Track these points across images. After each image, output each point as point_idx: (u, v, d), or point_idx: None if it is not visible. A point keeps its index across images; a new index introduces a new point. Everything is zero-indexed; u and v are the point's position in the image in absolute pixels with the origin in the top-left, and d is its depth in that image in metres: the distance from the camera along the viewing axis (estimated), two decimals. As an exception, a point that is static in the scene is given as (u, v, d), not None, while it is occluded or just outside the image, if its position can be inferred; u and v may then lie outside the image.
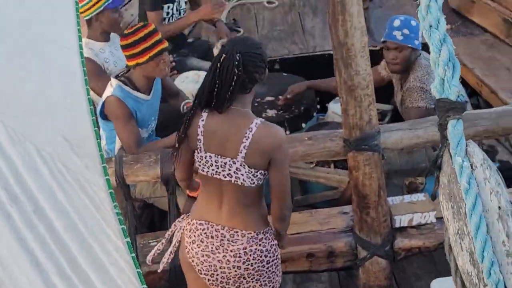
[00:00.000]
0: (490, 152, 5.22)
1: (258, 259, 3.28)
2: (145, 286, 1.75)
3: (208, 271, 3.31)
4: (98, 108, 4.31)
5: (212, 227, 3.27)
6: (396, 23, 4.61)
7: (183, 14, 5.68)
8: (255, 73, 3.11)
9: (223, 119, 3.13)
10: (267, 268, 3.33)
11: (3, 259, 1.50)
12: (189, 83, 4.97)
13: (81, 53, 2.48)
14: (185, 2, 5.72)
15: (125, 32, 4.19)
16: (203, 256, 3.30)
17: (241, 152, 3.11)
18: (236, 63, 3.01)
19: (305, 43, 6.33)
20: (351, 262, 4.15)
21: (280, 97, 5.29)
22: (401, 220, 4.12)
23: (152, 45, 4.11)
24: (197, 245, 3.30)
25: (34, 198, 1.70)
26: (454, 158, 1.33)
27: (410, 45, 4.55)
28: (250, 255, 3.26)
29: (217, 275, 3.31)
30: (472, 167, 1.33)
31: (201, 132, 3.15)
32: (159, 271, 3.61)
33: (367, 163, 3.85)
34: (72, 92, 2.35)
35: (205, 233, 3.28)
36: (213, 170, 3.18)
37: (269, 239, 3.31)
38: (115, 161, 4.04)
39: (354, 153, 3.86)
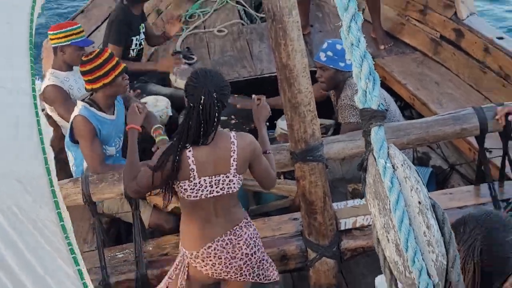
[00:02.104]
0: (425, 159, 5.30)
1: (257, 237, 3.49)
2: None
3: (235, 272, 3.41)
4: (67, 132, 4.30)
5: (220, 241, 3.35)
6: (324, 45, 4.69)
7: (142, 45, 5.69)
8: (226, 102, 3.26)
9: (210, 147, 3.23)
10: (260, 243, 3.54)
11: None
12: (148, 107, 4.97)
13: (33, 88, 2.43)
14: (144, 33, 5.72)
15: (83, 59, 4.17)
16: (227, 267, 3.38)
17: (232, 165, 3.25)
18: (215, 101, 3.14)
19: (253, 67, 6.36)
20: (302, 263, 4.16)
21: (233, 116, 5.34)
22: (346, 223, 4.15)
23: (114, 66, 4.15)
24: (218, 263, 3.37)
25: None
26: (377, 160, 1.36)
27: (331, 66, 4.59)
28: (253, 236, 3.45)
29: (243, 271, 3.43)
30: (394, 168, 1.36)
31: (192, 162, 3.20)
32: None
33: (312, 173, 3.88)
34: (22, 130, 2.32)
35: (218, 249, 3.35)
36: (207, 191, 3.26)
37: (251, 222, 3.55)
38: (81, 181, 4.00)
39: (300, 164, 3.88)
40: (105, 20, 6.16)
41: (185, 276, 3.42)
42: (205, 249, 3.32)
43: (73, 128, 4.20)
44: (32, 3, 2.66)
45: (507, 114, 3.99)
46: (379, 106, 1.36)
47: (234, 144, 3.24)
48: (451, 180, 4.99)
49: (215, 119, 3.16)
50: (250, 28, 6.99)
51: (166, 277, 3.53)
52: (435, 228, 1.37)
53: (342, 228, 4.14)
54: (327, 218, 4.01)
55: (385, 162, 1.35)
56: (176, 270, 3.46)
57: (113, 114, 4.33)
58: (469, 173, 4.94)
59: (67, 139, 4.36)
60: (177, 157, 3.16)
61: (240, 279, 3.43)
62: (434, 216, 1.38)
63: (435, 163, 5.16)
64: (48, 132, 2.38)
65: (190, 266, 3.40)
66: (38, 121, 2.33)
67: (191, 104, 3.15)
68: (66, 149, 4.46)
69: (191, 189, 3.24)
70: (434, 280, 1.36)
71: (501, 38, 5.52)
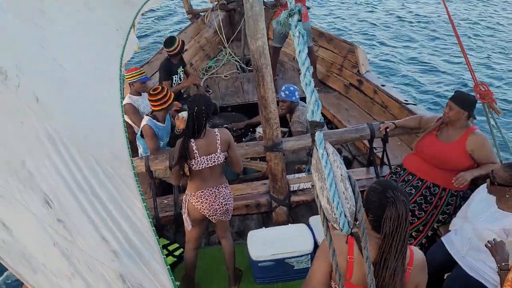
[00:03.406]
0: (338, 151, 5.30)
1: (231, 196, 3.43)
2: (151, 220, 1.71)
3: (213, 212, 3.34)
4: (139, 132, 4.31)
5: (208, 190, 3.30)
6: (283, 88, 4.69)
7: (181, 80, 5.62)
8: (210, 113, 3.22)
9: (204, 138, 3.22)
10: (232, 202, 3.46)
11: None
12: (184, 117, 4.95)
13: (121, 102, 2.42)
14: (182, 72, 5.66)
15: (151, 92, 4.16)
16: (209, 207, 3.31)
17: (219, 147, 3.23)
18: (203, 112, 3.15)
19: (244, 97, 6.33)
20: (268, 209, 4.15)
21: (231, 124, 5.33)
22: (294, 187, 4.15)
23: (168, 98, 4.18)
24: (205, 203, 3.30)
25: (92, 186, 1.64)
26: (318, 150, 1.35)
27: (288, 99, 4.60)
28: (229, 194, 3.40)
29: (217, 212, 3.35)
30: (327, 154, 1.35)
31: (195, 149, 3.20)
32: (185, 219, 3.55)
33: (276, 158, 3.87)
34: (114, 126, 2.31)
35: (206, 194, 3.30)
36: (206, 164, 3.23)
37: (229, 187, 3.45)
38: (144, 159, 3.99)
39: (269, 153, 3.87)
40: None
41: (186, 209, 3.37)
42: (199, 192, 3.28)
43: (142, 131, 4.20)
44: (121, 53, 2.62)
45: (385, 128, 4.02)
46: (320, 119, 1.35)
47: (217, 135, 3.24)
48: (353, 165, 5.01)
49: (203, 122, 3.17)
50: (243, 75, 6.95)
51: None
52: (350, 189, 1.37)
53: (292, 189, 4.14)
54: (283, 183, 4.01)
55: (323, 151, 1.34)
56: (184, 207, 3.41)
57: (164, 124, 4.30)
58: (363, 161, 4.97)
59: (138, 135, 4.35)
60: (186, 147, 3.18)
61: (213, 218, 3.37)
62: (349, 183, 1.38)
63: (345, 154, 5.18)
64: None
65: (189, 203, 3.34)
66: (124, 121, 2.32)
67: (190, 113, 3.18)
68: (137, 141, 4.43)
69: (195, 163, 3.22)
70: (347, 218, 1.36)
71: (383, 85, 5.56)
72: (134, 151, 4.56)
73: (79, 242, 1.35)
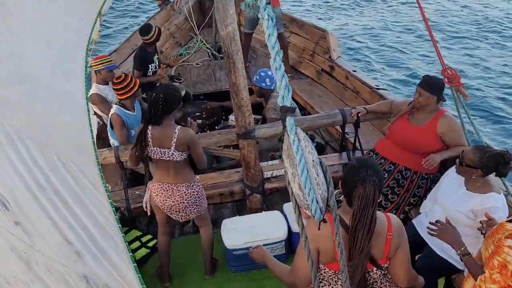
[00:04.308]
0: (311, 137, 5.33)
1: (192, 197, 3.26)
2: (117, 217, 1.67)
3: (168, 208, 3.26)
4: (108, 122, 4.21)
5: (166, 184, 3.21)
6: (255, 74, 4.62)
7: (156, 68, 5.48)
8: (172, 104, 3.08)
9: (160, 129, 3.10)
10: (198, 200, 3.31)
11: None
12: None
13: (86, 94, 2.34)
14: (158, 60, 5.52)
15: (115, 81, 4.05)
16: (163, 201, 3.24)
17: (173, 145, 3.09)
18: (160, 100, 3.02)
19: (216, 85, 6.26)
20: (242, 196, 4.13)
21: (203, 112, 5.27)
22: (267, 174, 4.14)
23: (134, 85, 4.05)
24: (160, 195, 3.23)
25: (53, 185, 1.59)
26: (289, 135, 1.33)
27: (257, 84, 4.54)
28: (188, 195, 3.23)
29: (171, 209, 3.26)
30: (298, 140, 1.33)
31: (150, 137, 3.10)
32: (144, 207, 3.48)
33: (249, 145, 3.84)
34: (79, 119, 2.23)
35: (162, 188, 3.22)
36: (159, 156, 3.14)
37: (196, 186, 3.29)
38: (114, 150, 3.90)
39: (241, 140, 3.84)
40: (130, 55, 5.96)
41: (149, 195, 3.32)
42: (157, 184, 3.22)
43: (110, 120, 4.10)
44: (87, 43, 2.53)
45: (357, 113, 4.04)
46: (291, 104, 1.33)
47: (176, 133, 3.08)
48: (326, 150, 5.04)
49: (158, 111, 3.04)
50: (215, 62, 6.87)
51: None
52: (321, 175, 1.36)
53: (265, 177, 4.13)
54: (256, 171, 3.99)
55: (294, 137, 1.32)
56: (147, 191, 3.37)
57: (134, 111, 4.20)
58: (336, 147, 5.00)
59: (108, 127, 4.25)
60: (143, 133, 3.10)
61: (169, 213, 3.30)
62: (321, 168, 1.36)
63: (318, 140, 5.20)
64: (94, 121, 2.28)
65: (151, 190, 3.29)
66: (88, 112, 2.24)
67: (148, 98, 3.12)
68: (108, 132, 4.33)
69: (150, 152, 3.14)
70: (319, 204, 1.34)
71: (355, 71, 5.58)
72: (106, 143, 4.45)
73: (39, 244, 1.30)
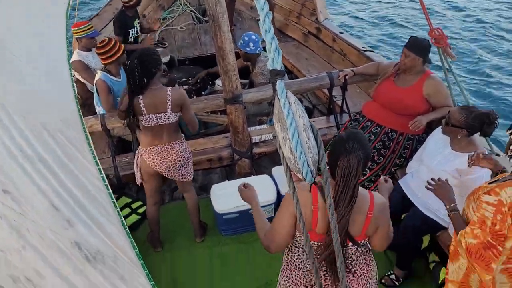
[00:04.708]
0: (299, 100, 5.31)
1: (186, 153, 3.30)
2: (106, 183, 1.66)
3: (166, 169, 3.26)
4: (94, 90, 4.13)
5: (160, 146, 3.20)
6: (241, 37, 4.53)
7: (138, 34, 5.34)
8: (151, 68, 2.99)
9: (151, 95, 3.04)
10: (190, 158, 3.36)
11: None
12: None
13: (69, 60, 2.27)
14: (139, 25, 5.36)
15: (98, 45, 3.95)
16: (161, 164, 3.23)
17: (169, 108, 3.05)
18: (135, 66, 2.93)
19: (201, 49, 6.14)
20: (231, 162, 4.15)
21: (190, 78, 5.20)
22: (255, 139, 4.15)
23: (118, 49, 3.97)
24: (156, 159, 3.22)
25: (39, 154, 1.56)
26: (280, 99, 1.32)
27: (242, 49, 4.46)
28: (183, 151, 3.27)
29: (169, 170, 3.27)
30: (289, 104, 1.32)
31: (143, 106, 3.04)
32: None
33: (236, 110, 3.83)
34: (63, 86, 2.18)
35: (157, 151, 3.20)
36: (155, 122, 3.09)
37: (185, 143, 3.31)
38: (100, 117, 3.85)
39: (229, 105, 3.82)
40: (111, 20, 5.78)
41: (139, 164, 3.31)
42: (150, 148, 3.19)
43: (96, 86, 4.03)
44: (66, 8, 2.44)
45: (344, 76, 4.03)
46: (280, 68, 1.31)
47: (169, 95, 3.05)
48: (314, 114, 5.05)
49: (136, 78, 2.96)
50: (200, 26, 6.71)
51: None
52: (312, 138, 1.36)
53: (253, 141, 4.14)
54: (245, 136, 4.00)
55: (284, 100, 1.31)
56: (136, 163, 3.35)
57: (120, 78, 4.12)
58: (323, 110, 5.00)
59: (95, 94, 4.16)
60: (130, 105, 3.03)
61: (166, 175, 3.29)
62: (312, 132, 1.36)
63: (305, 104, 5.20)
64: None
65: (141, 158, 3.27)
66: (72, 80, 2.20)
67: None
68: (94, 100, 4.25)
69: (144, 121, 3.09)
70: (310, 167, 1.35)
71: (342, 33, 5.52)
72: (91, 110, 4.38)
73: (29, 213, 1.29)
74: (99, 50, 3.93)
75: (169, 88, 3.11)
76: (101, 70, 4.05)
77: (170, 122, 3.13)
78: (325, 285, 2.03)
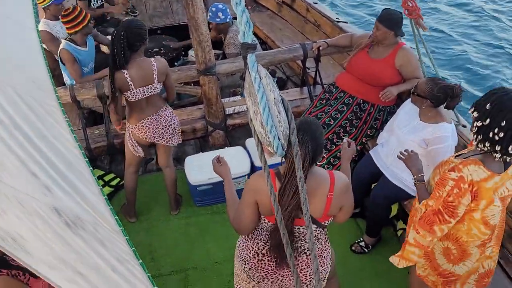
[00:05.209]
0: (273, 73, 5.31)
1: (173, 116, 3.30)
2: (83, 151, 1.64)
3: (160, 136, 3.26)
4: (59, 59, 4.02)
5: (149, 118, 3.17)
6: (208, 10, 4.44)
7: (102, 2, 5.17)
8: (136, 41, 2.93)
9: (136, 67, 2.98)
10: (176, 121, 3.34)
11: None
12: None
13: (37, 27, 2.19)
14: None
15: (63, 13, 3.85)
16: (153, 132, 3.21)
17: (155, 78, 3.04)
18: (122, 37, 2.86)
19: (174, 18, 5.99)
20: (205, 133, 4.16)
21: (162, 48, 5.09)
22: (229, 110, 4.15)
23: (84, 17, 3.87)
24: (148, 130, 3.20)
25: (13, 119, 1.52)
26: (251, 73, 1.32)
27: (211, 21, 4.40)
28: (170, 116, 3.27)
29: (160, 135, 3.26)
30: (260, 77, 1.32)
31: (130, 81, 2.97)
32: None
33: (210, 82, 3.81)
34: (32, 52, 2.10)
35: (148, 122, 3.17)
36: (143, 95, 3.05)
37: (169, 107, 3.30)
38: (69, 88, 3.75)
39: (202, 77, 3.79)
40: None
41: (132, 138, 3.28)
42: (140, 123, 3.17)
43: (60, 56, 3.92)
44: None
45: (318, 47, 4.03)
46: (252, 41, 1.31)
47: (154, 65, 3.02)
48: (287, 85, 5.05)
49: (122, 49, 2.89)
50: (171, -6, 6.56)
51: (126, 141, 3.38)
52: (283, 112, 1.37)
53: (227, 113, 4.14)
54: (218, 107, 3.99)
55: (255, 75, 1.31)
56: (129, 136, 3.31)
57: (86, 47, 4.00)
58: (297, 81, 5.01)
59: (60, 64, 4.05)
60: (112, 79, 2.95)
61: (161, 142, 3.29)
62: (283, 106, 1.38)
63: (279, 75, 5.19)
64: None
65: (133, 134, 3.24)
66: (42, 47, 2.13)
67: (111, 40, 2.94)
68: (62, 71, 4.14)
69: (131, 95, 3.04)
70: (281, 141, 1.38)
71: (316, 3, 5.47)
72: (59, 81, 4.26)
73: (6, 178, 1.27)
74: (63, 19, 3.83)
75: (152, 58, 3.07)
76: (65, 39, 3.92)
77: (157, 92, 3.12)
78: (271, 267, 2.09)
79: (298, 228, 1.98)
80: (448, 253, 2.25)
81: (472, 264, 2.24)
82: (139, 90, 3.03)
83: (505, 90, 1.92)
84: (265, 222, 2.04)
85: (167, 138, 3.30)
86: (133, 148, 3.33)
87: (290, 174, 1.81)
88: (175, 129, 3.33)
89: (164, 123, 3.23)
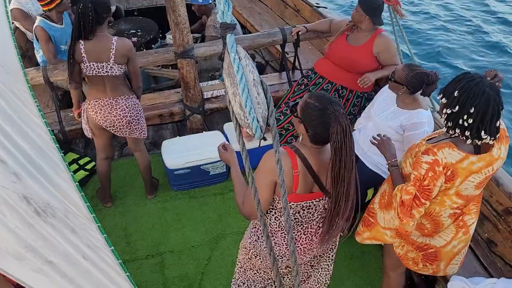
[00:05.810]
0: (252, 57, 5.27)
1: (133, 110, 3.16)
2: (53, 136, 1.60)
3: (110, 123, 3.14)
4: (33, 37, 3.87)
5: (104, 100, 3.07)
6: None
7: None
8: (102, 14, 2.88)
9: (94, 41, 2.90)
10: (139, 114, 3.23)
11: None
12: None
13: (6, 8, 2.11)
14: None
15: None
16: (105, 118, 3.11)
17: (111, 58, 2.93)
18: (89, 9, 2.81)
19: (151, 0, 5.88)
20: (182, 118, 4.11)
21: (139, 30, 4.98)
22: (207, 94, 4.11)
23: None
24: (99, 113, 3.09)
25: None
26: (230, 53, 1.30)
27: (194, 3, 4.38)
28: (129, 107, 3.14)
29: (115, 125, 3.16)
30: (239, 58, 1.31)
31: (84, 52, 2.89)
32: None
33: (188, 65, 3.75)
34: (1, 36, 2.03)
35: (101, 104, 3.07)
36: (97, 71, 2.96)
37: (134, 99, 3.17)
38: (42, 69, 3.64)
39: (180, 60, 3.73)
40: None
41: (86, 118, 3.19)
42: (94, 101, 3.08)
43: (35, 34, 3.77)
44: None
45: (297, 32, 4.02)
46: (231, 21, 1.28)
47: (113, 44, 2.93)
48: (266, 70, 5.03)
49: (89, 21, 2.84)
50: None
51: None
52: (262, 94, 1.36)
53: (205, 97, 4.10)
54: (196, 91, 3.94)
55: (234, 55, 1.29)
56: (83, 113, 3.22)
57: (62, 24, 3.88)
58: (276, 66, 5.00)
59: (35, 42, 3.91)
60: (72, 49, 2.91)
61: (112, 130, 3.19)
62: (262, 87, 1.36)
63: (258, 60, 5.16)
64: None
65: (87, 111, 3.15)
66: (11, 28, 2.04)
67: (76, 9, 2.88)
68: (35, 50, 4.00)
69: (85, 68, 2.97)
70: (260, 123, 1.37)
71: (295, -12, 5.45)
72: (32, 62, 4.13)
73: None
74: None
75: (115, 37, 2.97)
76: (40, 15, 3.80)
77: (114, 74, 3.01)
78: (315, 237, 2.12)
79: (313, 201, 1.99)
80: (422, 228, 2.29)
81: (452, 240, 2.28)
82: (92, 65, 2.96)
83: (471, 76, 1.95)
84: (278, 203, 1.99)
85: (118, 127, 3.17)
86: (86, 130, 3.25)
87: (344, 148, 1.78)
88: (131, 123, 3.18)
89: (119, 111, 3.10)
